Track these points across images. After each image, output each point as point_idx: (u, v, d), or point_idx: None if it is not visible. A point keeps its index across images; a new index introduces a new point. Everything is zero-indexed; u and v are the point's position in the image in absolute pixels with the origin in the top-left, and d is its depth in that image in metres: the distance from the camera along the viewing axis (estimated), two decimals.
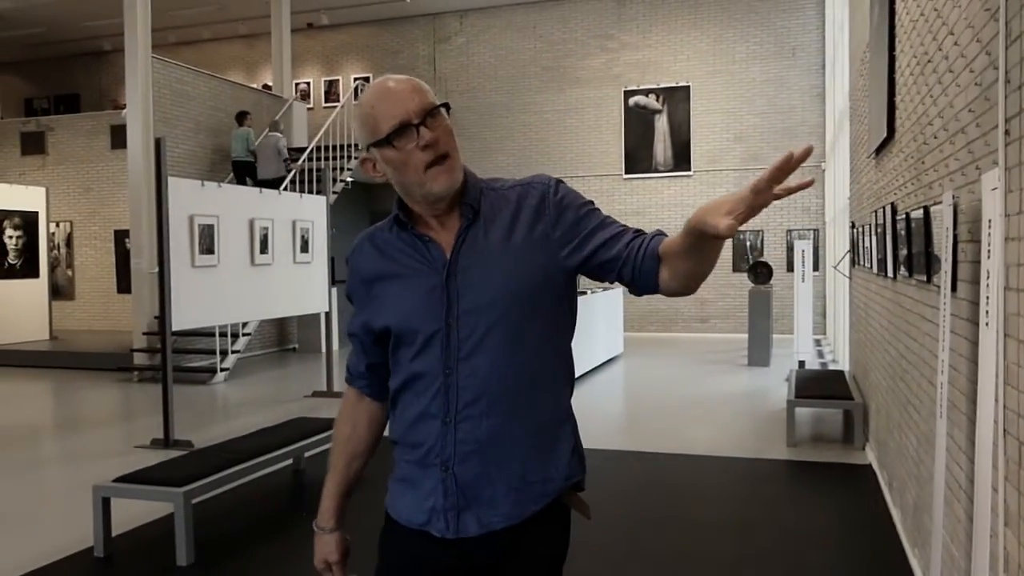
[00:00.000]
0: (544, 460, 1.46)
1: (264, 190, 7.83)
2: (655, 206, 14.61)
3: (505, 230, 1.45)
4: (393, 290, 1.48)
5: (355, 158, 12.68)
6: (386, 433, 1.62)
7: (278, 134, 11.64)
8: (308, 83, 16.71)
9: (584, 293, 9.97)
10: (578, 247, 1.45)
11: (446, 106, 1.43)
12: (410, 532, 1.48)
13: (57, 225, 13.92)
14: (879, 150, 4.92)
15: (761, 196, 1.15)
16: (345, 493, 1.62)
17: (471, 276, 1.43)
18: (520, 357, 1.43)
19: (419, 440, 1.46)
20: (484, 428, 1.42)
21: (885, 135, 4.46)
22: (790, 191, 1.16)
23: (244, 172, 11.62)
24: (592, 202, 1.51)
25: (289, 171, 11.31)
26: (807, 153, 1.09)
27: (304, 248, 7.91)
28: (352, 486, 1.63)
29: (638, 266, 1.40)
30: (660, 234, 1.43)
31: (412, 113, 1.37)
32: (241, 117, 11.73)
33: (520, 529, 1.46)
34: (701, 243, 1.26)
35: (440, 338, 1.43)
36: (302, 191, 10.84)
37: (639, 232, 1.45)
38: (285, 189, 10.35)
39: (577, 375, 7.97)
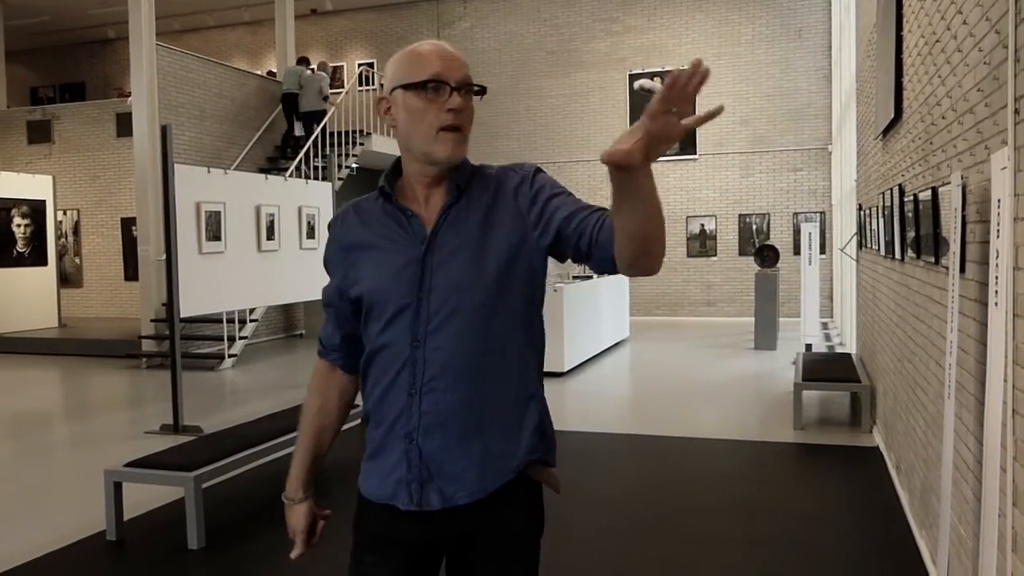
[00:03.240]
0: (508, 436, 1.47)
1: (270, 176, 7.84)
2: (661, 190, 14.05)
3: (484, 211, 1.48)
4: (370, 260, 1.51)
5: (360, 144, 12.67)
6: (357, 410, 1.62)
7: (323, 74, 12.84)
8: (312, 69, 16.64)
9: (590, 278, 9.96)
10: (547, 225, 1.46)
11: (484, 90, 1.48)
12: (379, 508, 1.51)
13: (64, 213, 13.95)
14: (886, 131, 4.90)
15: (658, 121, 1.11)
16: (312, 465, 1.64)
17: (447, 253, 1.45)
18: (486, 332, 1.44)
19: (386, 412, 1.49)
20: (448, 401, 1.44)
21: (892, 116, 4.43)
22: (700, 120, 1.11)
23: (290, 104, 12.72)
24: (568, 190, 1.52)
25: (325, 105, 12.51)
26: (698, 72, 1.05)
27: (310, 234, 7.92)
28: (320, 458, 1.65)
29: (594, 237, 1.39)
30: None
31: (453, 78, 1.43)
32: (300, 60, 13.11)
33: (486, 505, 1.47)
34: (617, 186, 1.22)
35: (410, 311, 1.45)
36: (308, 177, 10.85)
37: (606, 209, 1.42)
38: (289, 176, 10.36)
39: (584, 359, 7.92)
